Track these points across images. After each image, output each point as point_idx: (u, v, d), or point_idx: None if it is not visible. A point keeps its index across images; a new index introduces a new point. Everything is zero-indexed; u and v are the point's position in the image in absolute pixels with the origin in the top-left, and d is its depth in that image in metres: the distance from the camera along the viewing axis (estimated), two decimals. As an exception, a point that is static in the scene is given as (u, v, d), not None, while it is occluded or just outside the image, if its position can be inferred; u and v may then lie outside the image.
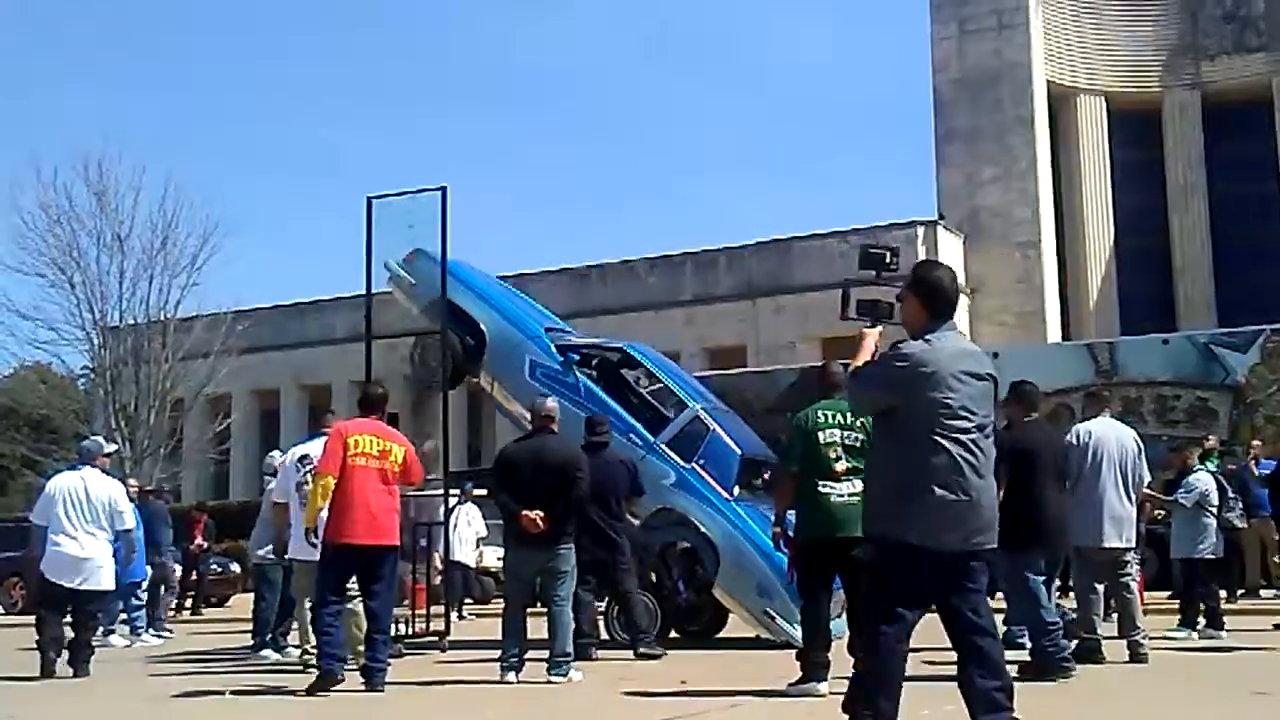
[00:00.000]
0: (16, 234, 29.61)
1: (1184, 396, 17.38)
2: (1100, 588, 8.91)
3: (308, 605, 8.92)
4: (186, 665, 10.45)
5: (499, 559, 13.39)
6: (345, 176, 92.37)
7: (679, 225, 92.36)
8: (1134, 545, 9.01)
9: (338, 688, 7.62)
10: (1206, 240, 40.81)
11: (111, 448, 11.00)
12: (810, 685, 6.98)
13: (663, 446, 10.81)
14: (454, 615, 11.98)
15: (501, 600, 9.34)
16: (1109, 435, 8.83)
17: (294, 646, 10.43)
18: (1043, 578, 8.14)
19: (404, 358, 30.39)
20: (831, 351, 23.83)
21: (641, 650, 9.68)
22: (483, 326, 11.57)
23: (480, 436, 35.38)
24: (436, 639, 10.62)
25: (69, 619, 9.58)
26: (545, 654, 8.11)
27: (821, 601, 7.36)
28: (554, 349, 11.44)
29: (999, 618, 9.59)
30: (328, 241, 69.78)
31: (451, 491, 12.59)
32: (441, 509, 12.12)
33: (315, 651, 8.07)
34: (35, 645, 9.38)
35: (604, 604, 10.83)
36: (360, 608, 8.14)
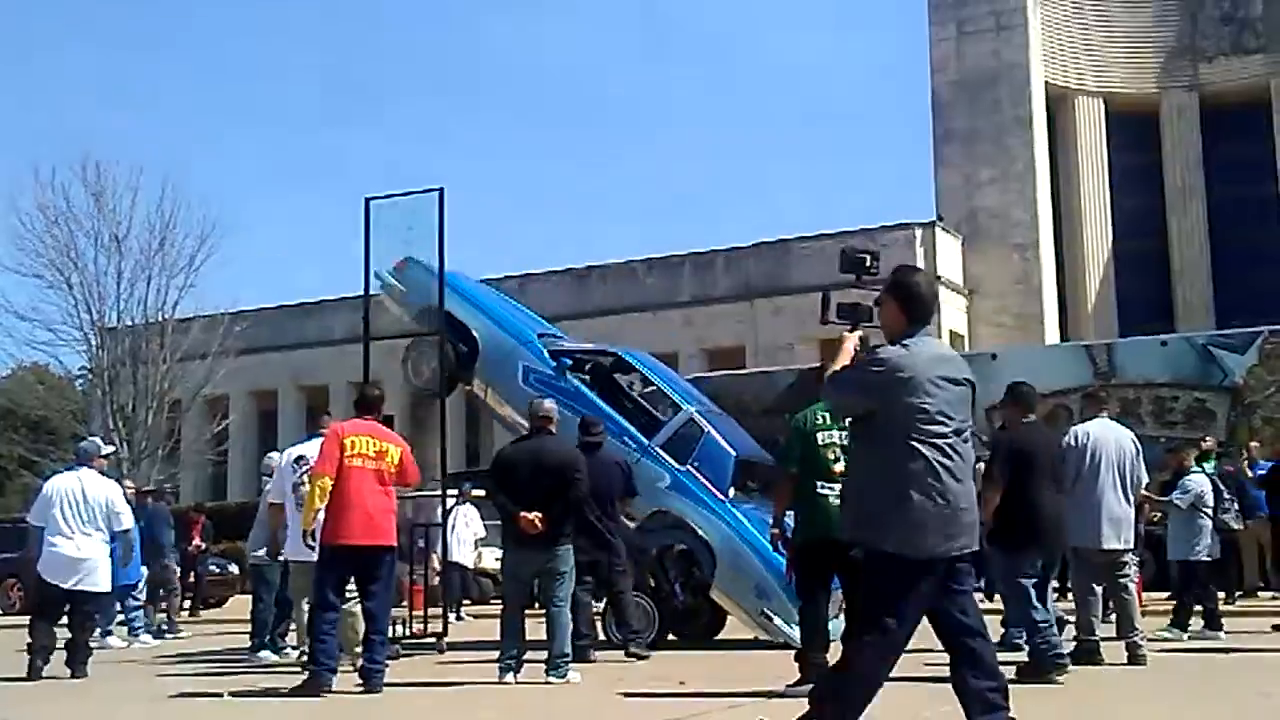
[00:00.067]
0: (14, 235, 29.70)
1: (1182, 398, 17.38)
2: (1099, 589, 8.91)
3: (305, 606, 8.90)
4: (184, 666, 10.45)
5: (497, 560, 13.39)
6: (344, 177, 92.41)
7: (677, 226, 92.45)
8: (1132, 546, 9.01)
9: (336, 689, 7.61)
10: (1205, 242, 40.85)
11: (109, 449, 10.99)
12: (809, 686, 6.96)
13: (657, 449, 10.83)
14: (452, 616, 11.97)
15: (500, 601, 9.33)
16: (1107, 436, 8.83)
17: (292, 647, 10.43)
18: (1035, 579, 8.13)
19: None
20: (829, 353, 23.78)
21: (631, 650, 9.70)
22: (475, 333, 11.57)
23: (479, 438, 35.38)
24: (434, 640, 10.61)
25: (65, 620, 9.58)
26: (544, 655, 8.11)
27: (820, 602, 7.37)
28: (547, 354, 11.46)
29: (996, 619, 9.66)
30: (326, 242, 69.83)
31: (449, 492, 12.59)
32: (439, 510, 12.11)
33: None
34: (26, 649, 9.39)
35: (601, 605, 10.83)
36: (358, 609, 8.14)
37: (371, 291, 11.58)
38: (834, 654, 6.99)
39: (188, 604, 19.82)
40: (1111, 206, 41.52)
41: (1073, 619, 8.78)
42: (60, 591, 9.41)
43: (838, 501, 7.03)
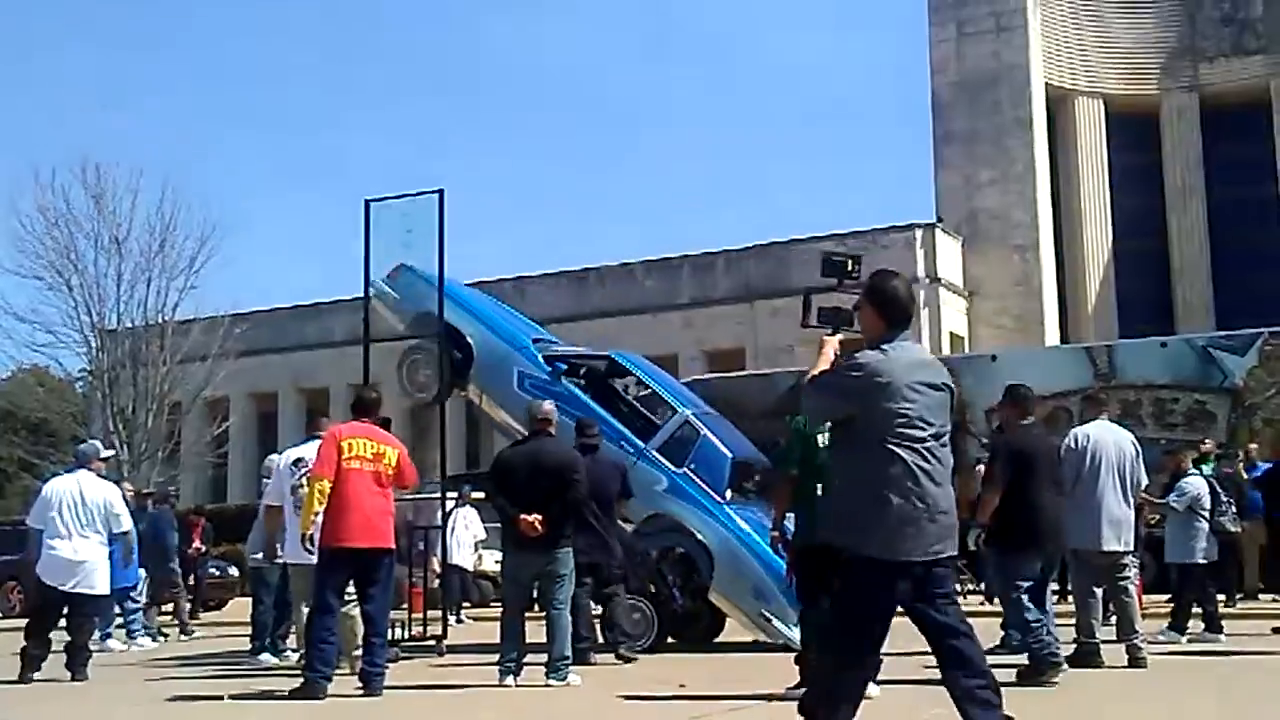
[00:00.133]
0: (14, 237, 29.70)
1: (1182, 400, 17.38)
2: (1099, 591, 8.90)
3: (305, 610, 8.89)
4: (184, 669, 10.44)
5: (497, 563, 13.39)
6: (344, 178, 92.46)
7: (677, 228, 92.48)
8: (1132, 549, 9.01)
9: (336, 692, 7.61)
10: (1205, 243, 40.86)
11: (108, 453, 11.00)
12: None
13: (653, 452, 10.84)
14: (452, 619, 11.97)
15: (500, 604, 9.33)
16: (1107, 438, 8.83)
17: (292, 650, 10.42)
18: (1031, 581, 8.11)
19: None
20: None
21: (621, 652, 9.72)
22: (469, 339, 11.57)
23: (478, 441, 35.37)
24: (434, 643, 10.61)
25: (64, 623, 9.58)
26: (544, 658, 8.10)
27: (820, 605, 7.35)
28: (541, 359, 11.47)
29: (996, 621, 9.66)
30: (326, 244, 69.85)
31: (449, 495, 12.59)
32: (439, 513, 12.10)
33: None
34: (19, 653, 9.40)
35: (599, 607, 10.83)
36: (356, 612, 8.13)
37: (370, 295, 11.59)
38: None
39: (187, 607, 19.82)
40: (1111, 207, 41.55)
41: (1072, 622, 8.77)
42: (59, 594, 9.42)
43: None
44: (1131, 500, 8.86)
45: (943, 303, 36.56)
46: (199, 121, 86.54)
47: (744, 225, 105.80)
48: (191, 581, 19.75)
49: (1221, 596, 12.25)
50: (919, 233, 36.70)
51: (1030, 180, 39.20)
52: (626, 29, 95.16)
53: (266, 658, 10.75)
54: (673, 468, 10.74)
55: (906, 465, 4.50)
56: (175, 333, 30.50)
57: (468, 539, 17.85)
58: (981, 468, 9.24)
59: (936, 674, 4.62)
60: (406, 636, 10.79)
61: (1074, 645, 8.53)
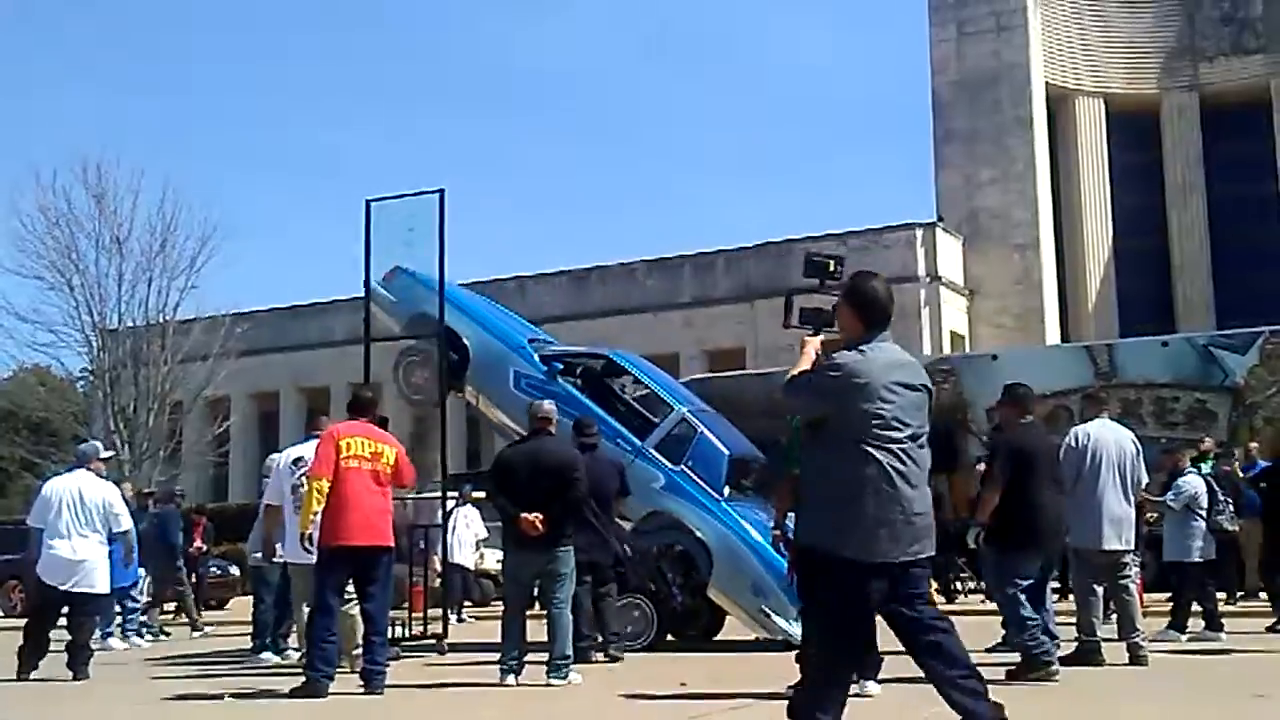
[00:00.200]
0: (16, 237, 29.76)
1: (1183, 398, 17.37)
2: (1100, 590, 8.90)
3: (306, 609, 8.90)
4: (186, 668, 10.44)
5: (499, 562, 13.41)
6: (344, 178, 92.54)
7: (678, 227, 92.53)
8: (1133, 547, 9.01)
9: (337, 691, 7.61)
10: (1205, 241, 40.87)
11: (108, 453, 11.03)
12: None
13: (651, 450, 10.85)
14: (453, 618, 11.98)
15: (501, 603, 9.34)
16: (1107, 437, 8.83)
17: (294, 649, 10.42)
18: (1030, 580, 8.11)
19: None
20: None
21: (610, 651, 9.72)
22: (465, 340, 11.58)
23: (479, 441, 35.38)
24: (435, 642, 10.61)
25: (64, 622, 9.60)
26: (545, 657, 8.11)
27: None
28: (537, 359, 11.48)
29: (997, 620, 9.65)
30: (327, 244, 69.90)
31: (450, 494, 12.60)
32: (440, 512, 12.11)
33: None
34: (17, 653, 9.43)
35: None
36: (356, 611, 8.14)
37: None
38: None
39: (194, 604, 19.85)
40: (1112, 206, 41.56)
41: (1073, 620, 8.78)
42: (59, 593, 9.44)
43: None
44: (1132, 499, 8.87)
45: (943, 302, 36.57)
46: (199, 122, 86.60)
47: (745, 225, 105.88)
48: (193, 580, 19.80)
49: (1222, 595, 12.25)
50: (920, 232, 36.72)
51: (1031, 179, 39.21)
52: (627, 29, 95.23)
53: (268, 656, 10.76)
54: (670, 465, 10.76)
55: (882, 466, 4.52)
56: (176, 332, 30.55)
57: (469, 538, 17.85)
58: (982, 466, 9.24)
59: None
60: (407, 635, 10.79)
61: (1075, 644, 8.53)
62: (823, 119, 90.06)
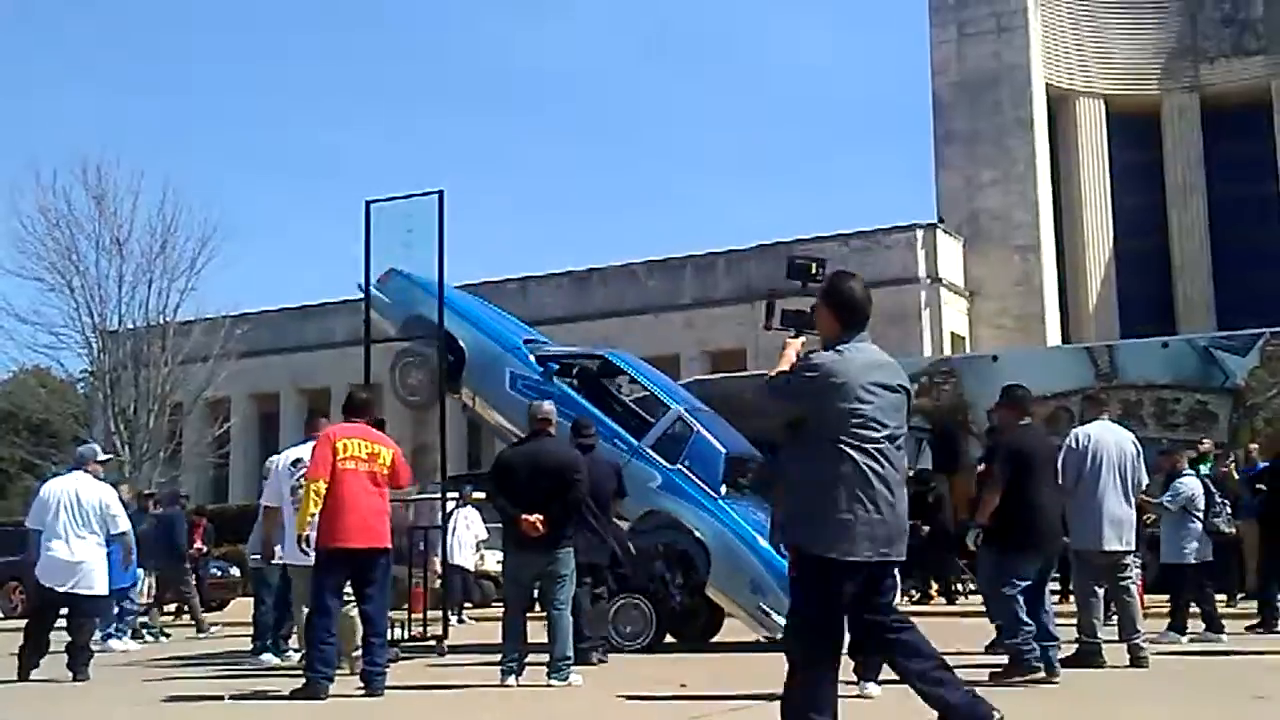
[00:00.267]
0: (16, 238, 29.76)
1: (1184, 400, 17.37)
2: (1100, 591, 8.90)
3: (305, 610, 8.90)
4: (186, 669, 10.45)
5: (499, 563, 13.42)
6: (345, 179, 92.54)
7: (678, 228, 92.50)
8: (1134, 548, 9.01)
9: (337, 692, 7.61)
10: (1206, 242, 40.85)
11: (106, 456, 11.05)
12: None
13: (647, 450, 10.86)
14: (453, 619, 11.98)
15: (501, 604, 9.34)
16: (1108, 438, 8.83)
17: (294, 650, 10.42)
18: (1028, 581, 8.10)
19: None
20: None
21: (594, 657, 9.64)
22: (461, 342, 11.58)
23: (479, 442, 35.39)
24: (435, 643, 10.61)
25: (64, 623, 9.60)
26: (545, 658, 8.10)
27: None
28: (533, 360, 11.48)
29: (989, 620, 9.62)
30: (327, 245, 69.89)
31: (450, 495, 12.60)
32: (440, 513, 12.11)
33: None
34: (17, 654, 9.43)
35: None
36: (354, 612, 8.14)
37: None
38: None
39: (188, 607, 19.85)
40: (1113, 207, 41.52)
41: (1074, 622, 8.77)
42: (57, 595, 9.47)
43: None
44: (1133, 500, 8.87)
45: (944, 303, 36.55)
46: (199, 122, 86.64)
47: (745, 225, 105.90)
48: (193, 581, 19.81)
49: (1222, 597, 12.23)
50: (920, 233, 36.69)
51: (1031, 180, 39.19)
52: (627, 29, 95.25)
53: (268, 658, 10.76)
54: (666, 464, 10.77)
55: (858, 466, 4.54)
56: (176, 334, 30.55)
57: (469, 539, 17.85)
58: (981, 468, 9.24)
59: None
60: (407, 637, 10.79)
61: (1076, 645, 8.53)
62: (823, 119, 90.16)
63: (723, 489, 10.69)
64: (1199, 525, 10.93)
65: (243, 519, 19.00)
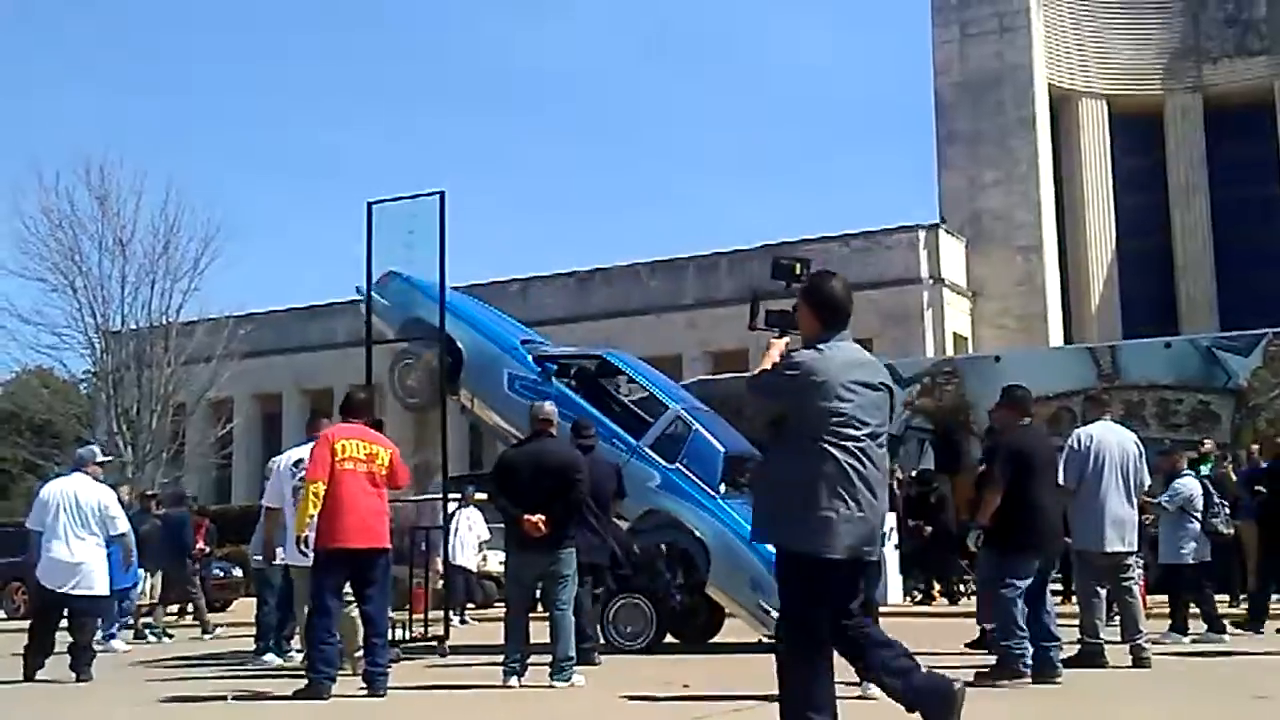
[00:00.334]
0: (19, 239, 29.76)
1: (1186, 400, 17.37)
2: (1102, 592, 8.90)
3: (306, 610, 8.90)
4: (188, 670, 10.46)
5: (501, 563, 13.43)
6: (346, 179, 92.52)
7: (680, 228, 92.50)
8: (1136, 549, 9.00)
9: (339, 693, 7.62)
10: (1208, 242, 40.83)
11: (106, 457, 11.08)
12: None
13: (646, 449, 10.87)
14: (455, 620, 11.98)
15: (503, 604, 9.35)
16: (1110, 439, 8.83)
17: (297, 651, 10.43)
18: (1028, 580, 8.10)
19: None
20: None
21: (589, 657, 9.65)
22: (459, 343, 11.58)
23: (480, 442, 35.40)
24: (436, 643, 10.61)
25: (65, 624, 9.62)
26: (547, 658, 8.11)
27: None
28: (531, 360, 11.49)
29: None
30: (329, 245, 69.85)
31: (452, 495, 12.60)
32: (441, 514, 12.11)
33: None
34: (23, 652, 9.46)
35: (602, 608, 10.83)
36: (355, 613, 8.15)
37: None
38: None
39: (190, 608, 19.86)
40: (1115, 207, 41.51)
41: (1076, 622, 8.77)
42: (58, 596, 9.49)
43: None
44: (1135, 501, 8.87)
45: (946, 303, 36.53)
46: (200, 122, 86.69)
47: (746, 226, 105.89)
48: (199, 582, 19.84)
49: (1224, 597, 12.23)
50: (922, 233, 36.68)
51: (1034, 181, 39.17)
52: (627, 29, 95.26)
53: (271, 658, 10.77)
54: (665, 464, 10.78)
55: (839, 464, 4.56)
56: (179, 334, 30.58)
57: (471, 540, 17.85)
58: (981, 468, 9.23)
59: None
60: (408, 637, 10.80)
61: (1078, 646, 8.53)
62: (824, 119, 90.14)
63: (722, 488, 10.70)
64: (1197, 526, 10.92)
65: (245, 519, 19.01)
